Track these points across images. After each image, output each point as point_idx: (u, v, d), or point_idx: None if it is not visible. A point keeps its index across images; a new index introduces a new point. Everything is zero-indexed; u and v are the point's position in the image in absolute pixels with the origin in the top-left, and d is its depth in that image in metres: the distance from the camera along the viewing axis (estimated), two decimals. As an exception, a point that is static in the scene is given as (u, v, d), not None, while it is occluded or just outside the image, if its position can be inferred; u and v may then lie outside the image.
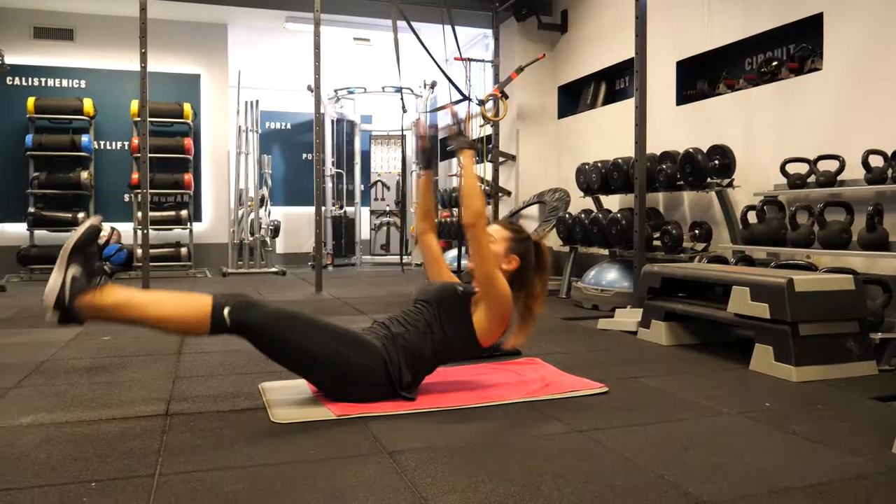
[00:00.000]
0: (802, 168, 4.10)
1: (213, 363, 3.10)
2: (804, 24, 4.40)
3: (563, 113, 7.20)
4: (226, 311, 2.13)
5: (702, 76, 5.36)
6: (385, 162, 10.22)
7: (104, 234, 7.81)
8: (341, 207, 9.70)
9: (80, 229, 2.10)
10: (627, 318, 4.03)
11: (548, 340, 3.63)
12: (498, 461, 1.83)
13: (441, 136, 8.19)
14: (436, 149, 3.02)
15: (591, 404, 2.41)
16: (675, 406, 2.40)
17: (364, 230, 10.16)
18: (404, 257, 9.64)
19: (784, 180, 4.19)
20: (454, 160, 9.75)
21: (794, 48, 4.62)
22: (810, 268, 3.66)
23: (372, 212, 10.17)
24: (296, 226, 9.97)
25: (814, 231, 3.83)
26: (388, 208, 10.09)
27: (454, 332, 2.39)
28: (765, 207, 4.11)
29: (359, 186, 9.96)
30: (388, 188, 10.13)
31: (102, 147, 8.33)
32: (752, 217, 4.21)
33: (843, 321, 2.92)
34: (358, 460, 1.83)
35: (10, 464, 1.81)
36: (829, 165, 3.95)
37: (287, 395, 2.46)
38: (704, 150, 4.57)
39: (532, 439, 2.02)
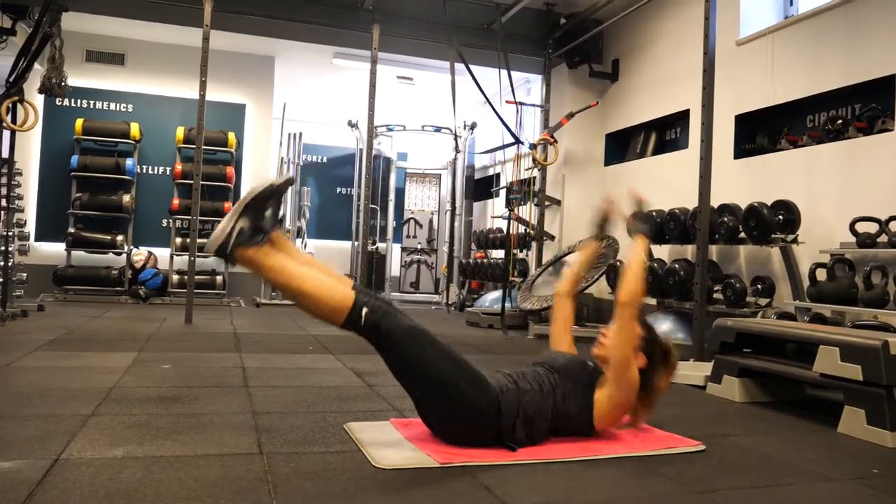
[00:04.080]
0: (871, 227, 4.05)
1: (287, 400, 3.04)
2: (873, 84, 4.39)
3: (609, 160, 7.21)
4: (364, 310, 2.13)
5: (761, 131, 5.35)
6: (419, 199, 10.25)
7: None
8: (374, 243, 9.69)
9: (262, 184, 2.12)
10: (693, 371, 3.95)
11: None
12: (629, 522, 1.76)
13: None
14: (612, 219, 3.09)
15: (693, 462, 2.33)
16: (780, 468, 2.32)
17: (394, 267, 10.13)
18: (435, 296, 9.61)
19: (849, 238, 4.14)
20: (489, 201, 9.76)
21: (860, 108, 4.60)
22: (888, 329, 3.59)
23: (403, 249, 10.16)
24: (326, 259, 9.87)
25: (888, 291, 3.77)
26: (419, 246, 10.08)
27: (573, 405, 2.39)
28: (835, 265, 4.06)
29: (391, 223, 9.96)
30: (421, 226, 10.13)
31: (145, 171, 8.39)
32: (819, 274, 4.15)
33: (939, 387, 2.83)
34: (481, 513, 1.77)
35: (122, 500, 1.75)
36: (902, 226, 3.90)
37: (378, 438, 2.39)
38: (767, 205, 4.53)
39: (652, 498, 1.95)
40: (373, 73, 6.12)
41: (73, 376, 3.36)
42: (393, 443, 2.34)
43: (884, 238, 3.98)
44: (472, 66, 6.37)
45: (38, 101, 7.29)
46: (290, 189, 8.44)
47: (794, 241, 4.45)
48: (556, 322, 2.83)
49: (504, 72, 6.16)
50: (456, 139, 8.09)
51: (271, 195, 2.13)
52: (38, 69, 5.61)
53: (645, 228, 2.62)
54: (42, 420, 2.50)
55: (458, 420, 2.24)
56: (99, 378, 3.33)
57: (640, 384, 2.43)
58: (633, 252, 2.54)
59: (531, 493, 1.93)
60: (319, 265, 2.31)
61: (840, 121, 4.61)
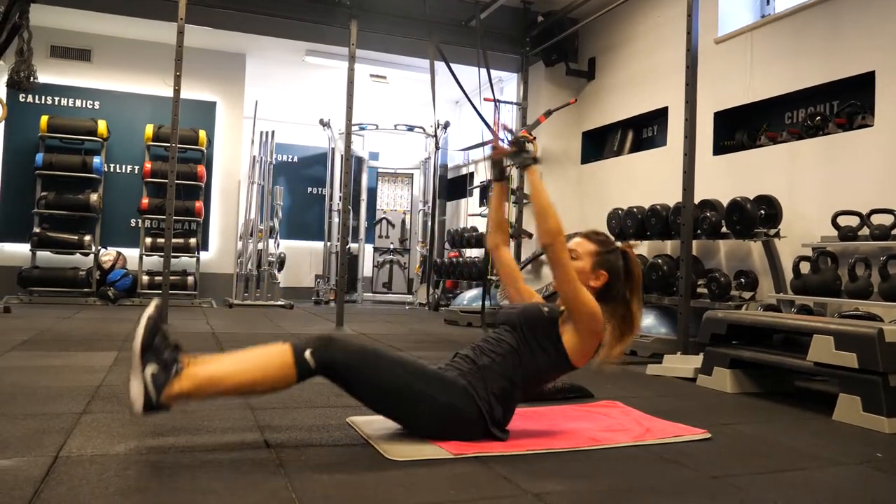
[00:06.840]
0: (853, 221, 4.13)
1: (282, 395, 2.95)
2: (852, 81, 4.48)
3: (586, 158, 7.25)
4: (307, 353, 2.04)
5: (740, 127, 5.43)
6: (391, 199, 10.18)
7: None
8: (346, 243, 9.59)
9: (141, 326, 1.99)
10: (682, 364, 3.97)
11: (610, 384, 3.55)
12: (659, 507, 1.74)
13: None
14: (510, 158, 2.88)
15: (703, 450, 2.33)
16: (788, 454, 2.33)
17: (367, 267, 10.05)
18: (409, 297, 9.56)
19: (830, 232, 4.22)
20: (462, 201, 9.75)
21: (838, 104, 4.69)
22: (874, 318, 3.65)
23: (375, 249, 10.09)
24: (297, 260, 9.83)
25: (871, 283, 3.84)
26: (392, 246, 10.01)
27: (544, 356, 2.27)
28: (819, 258, 4.12)
29: (363, 223, 9.88)
30: (393, 226, 10.07)
31: (113, 170, 8.18)
32: (803, 267, 4.21)
33: (933, 373, 2.88)
34: (507, 501, 1.73)
35: (137, 496, 1.68)
36: (883, 219, 3.98)
37: (385, 431, 2.34)
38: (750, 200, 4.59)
39: (675, 484, 1.94)
40: (351, 70, 6.06)
41: (55, 375, 3.24)
42: (401, 435, 2.28)
43: (865, 231, 4.06)
44: (441, 65, 6.32)
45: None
46: (262, 189, 8.32)
47: (777, 235, 4.51)
48: (503, 276, 2.71)
49: (483, 69, 6.14)
50: (436, 135, 8.06)
51: (155, 329, 2.01)
52: (1, 64, 5.42)
53: (529, 157, 2.48)
54: (33, 418, 2.40)
55: (438, 423, 2.19)
56: (83, 377, 3.22)
57: (609, 299, 2.32)
58: (530, 188, 2.40)
59: (549, 481, 1.90)
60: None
61: (819, 117, 4.69)
